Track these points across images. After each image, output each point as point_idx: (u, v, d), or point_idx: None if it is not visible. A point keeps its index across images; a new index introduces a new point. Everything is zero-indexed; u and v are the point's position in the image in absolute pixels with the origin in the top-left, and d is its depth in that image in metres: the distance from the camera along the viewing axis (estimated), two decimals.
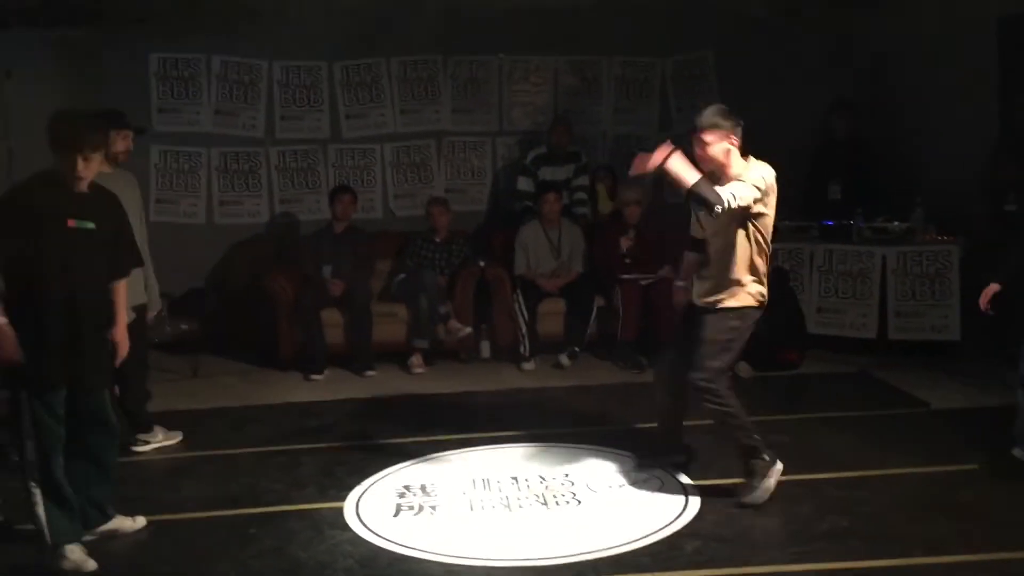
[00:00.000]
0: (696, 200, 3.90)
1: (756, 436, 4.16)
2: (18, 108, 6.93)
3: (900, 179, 7.15)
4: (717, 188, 3.88)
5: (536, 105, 8.06)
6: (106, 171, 4.23)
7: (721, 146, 4.03)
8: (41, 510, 3.63)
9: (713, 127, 4.03)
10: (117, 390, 5.24)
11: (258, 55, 7.73)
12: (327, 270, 6.87)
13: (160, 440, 5.17)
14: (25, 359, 3.55)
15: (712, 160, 4.05)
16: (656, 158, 3.94)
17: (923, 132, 7.11)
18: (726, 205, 3.84)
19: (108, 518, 3.95)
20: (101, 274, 3.78)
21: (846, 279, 6.62)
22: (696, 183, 3.86)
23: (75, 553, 3.66)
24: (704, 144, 4.04)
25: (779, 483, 4.13)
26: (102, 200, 3.80)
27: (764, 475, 4.12)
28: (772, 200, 4.08)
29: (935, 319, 6.37)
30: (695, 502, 4.14)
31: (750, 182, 3.95)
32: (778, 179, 4.10)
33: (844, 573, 3.48)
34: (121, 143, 4.78)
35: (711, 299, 4.15)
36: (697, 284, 4.26)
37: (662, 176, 4.05)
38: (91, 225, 3.67)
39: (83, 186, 3.69)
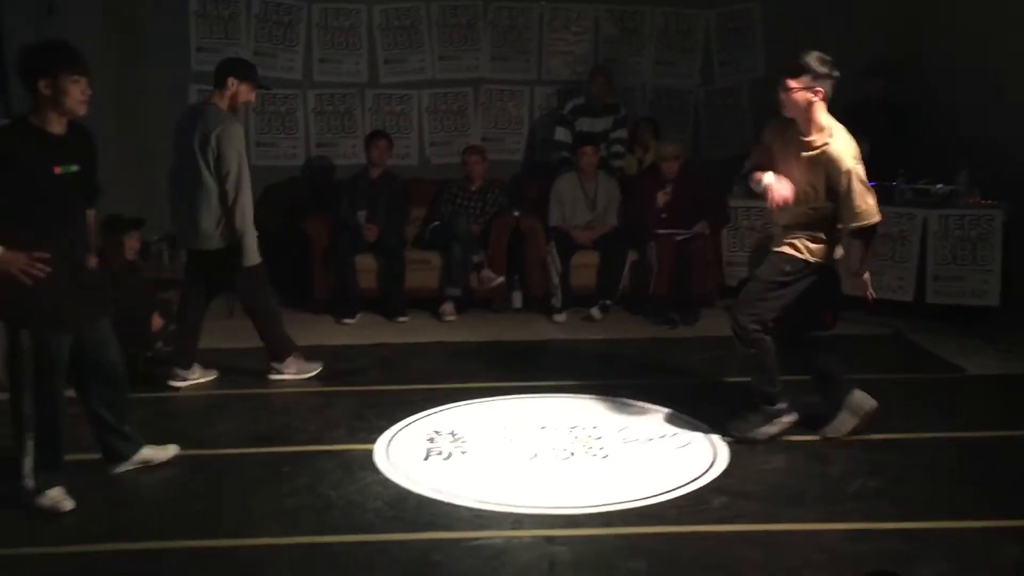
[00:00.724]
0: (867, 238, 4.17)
1: (774, 387, 4.26)
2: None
3: (944, 143, 7.01)
4: (856, 204, 3.99)
5: (576, 55, 7.95)
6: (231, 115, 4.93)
7: (804, 95, 3.96)
8: (30, 460, 3.63)
9: (800, 73, 3.95)
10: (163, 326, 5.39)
11: None
12: (362, 215, 6.88)
13: (197, 377, 5.25)
14: (35, 305, 3.52)
15: (794, 106, 4.01)
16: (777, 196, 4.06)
17: (972, 96, 6.94)
18: (878, 217, 4.07)
19: (139, 445, 4.03)
20: (83, 209, 3.76)
21: (885, 241, 6.51)
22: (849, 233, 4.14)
23: (54, 492, 3.67)
24: (787, 89, 3.99)
25: (808, 442, 4.14)
26: (80, 139, 3.71)
27: (767, 420, 4.25)
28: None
29: (975, 284, 6.27)
30: (724, 458, 4.15)
31: (849, 165, 3.97)
32: None
33: (872, 533, 3.47)
34: (248, 95, 5.10)
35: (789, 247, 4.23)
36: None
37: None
38: (75, 168, 3.62)
39: (62, 126, 3.59)
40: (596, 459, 4.18)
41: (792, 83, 3.96)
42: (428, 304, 6.81)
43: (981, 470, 4.04)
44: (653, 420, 4.64)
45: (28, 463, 3.64)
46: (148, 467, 4.05)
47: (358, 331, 6.46)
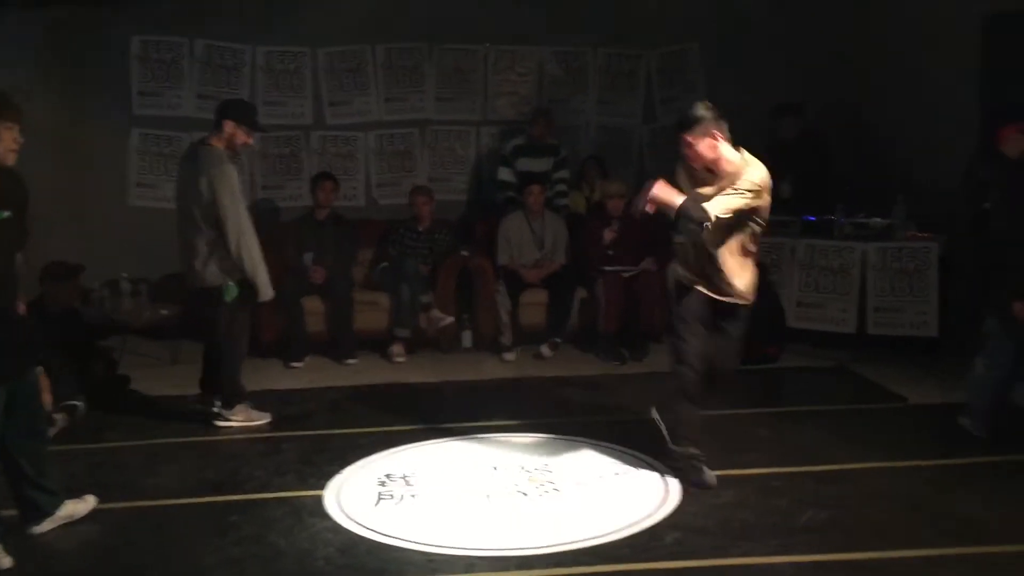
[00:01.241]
0: (685, 218, 3.96)
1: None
2: None
3: (880, 177, 7.20)
4: (704, 205, 3.92)
5: (521, 95, 8.04)
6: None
7: (706, 143, 4.04)
8: None
9: (693, 124, 4.03)
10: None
11: (241, 39, 7.67)
12: (309, 257, 6.84)
13: (241, 420, 5.25)
14: None
15: (700, 157, 4.08)
16: (643, 199, 4.00)
17: (906, 130, 7.15)
18: (713, 219, 3.91)
19: (61, 499, 3.90)
20: (14, 254, 3.70)
21: (826, 274, 6.66)
22: (681, 204, 3.94)
23: None
24: (688, 144, 4.07)
25: (758, 475, 4.17)
26: (11, 184, 3.65)
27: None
28: (767, 196, 4.10)
29: (913, 315, 6.42)
30: (675, 494, 4.16)
31: (742, 187, 3.98)
32: None
33: (824, 565, 3.50)
34: (246, 138, 5.12)
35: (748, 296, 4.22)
36: (735, 283, 4.19)
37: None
38: (6, 214, 3.55)
39: None
40: (549, 499, 4.17)
41: (690, 138, 4.04)
42: (377, 345, 6.77)
43: (926, 498, 4.10)
44: (604, 458, 4.65)
45: None
46: (73, 522, 3.92)
47: (307, 374, 6.39)
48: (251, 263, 5.00)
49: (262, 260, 5.07)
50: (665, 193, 3.99)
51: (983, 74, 6.51)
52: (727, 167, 4.08)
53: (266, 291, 5.12)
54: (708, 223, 3.91)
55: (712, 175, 4.13)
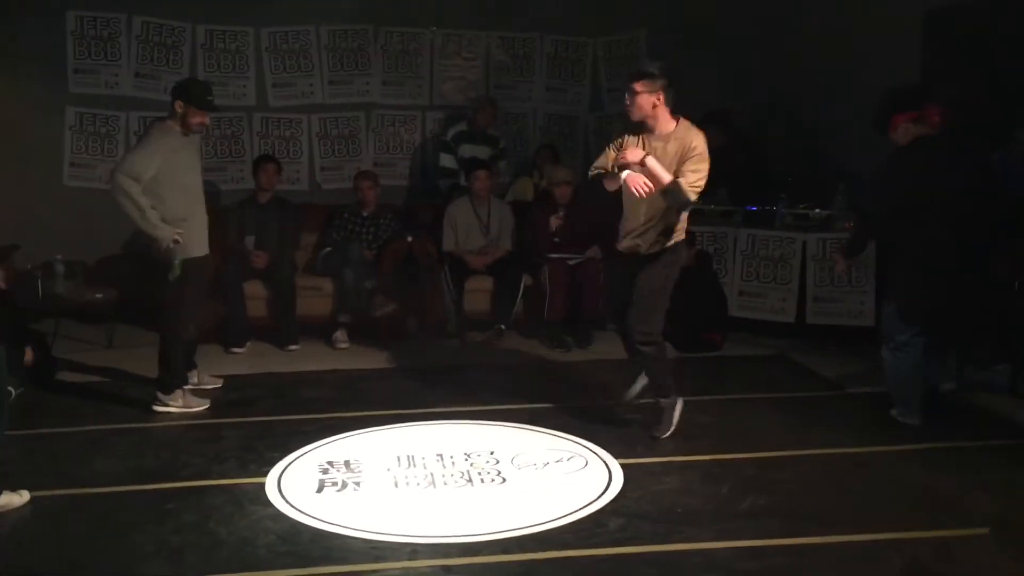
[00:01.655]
0: (672, 195, 4.32)
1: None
2: None
3: (820, 169, 7.31)
4: (685, 188, 4.29)
5: (467, 80, 8.00)
6: (180, 134, 4.98)
7: (647, 98, 4.35)
8: None
9: (644, 77, 4.35)
10: None
11: (181, 17, 7.50)
12: (250, 241, 6.73)
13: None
14: None
15: (639, 109, 4.40)
16: (634, 155, 4.35)
17: (845, 126, 7.26)
18: (694, 199, 4.35)
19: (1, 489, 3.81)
20: None
21: (767, 264, 6.76)
22: (672, 182, 4.29)
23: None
24: (634, 92, 4.37)
25: (701, 462, 4.24)
26: None
27: (672, 411, 4.69)
28: None
29: (851, 305, 6.55)
30: (619, 480, 4.18)
31: (704, 169, 4.35)
32: None
33: (764, 550, 3.55)
34: (199, 117, 5.05)
35: (659, 245, 4.52)
36: (639, 238, 4.54)
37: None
38: None
39: None
40: (493, 485, 4.16)
41: (638, 86, 4.36)
42: (320, 332, 6.69)
43: (865, 484, 4.19)
44: (548, 444, 4.66)
45: None
46: (8, 511, 3.82)
47: (248, 360, 6.29)
48: (131, 213, 4.88)
49: (152, 224, 4.90)
50: (656, 165, 4.30)
51: (924, 65, 6.63)
52: (664, 127, 4.41)
53: (159, 236, 4.93)
54: (691, 203, 4.38)
55: (648, 133, 4.43)
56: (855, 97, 7.19)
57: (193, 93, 5.08)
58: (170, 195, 4.96)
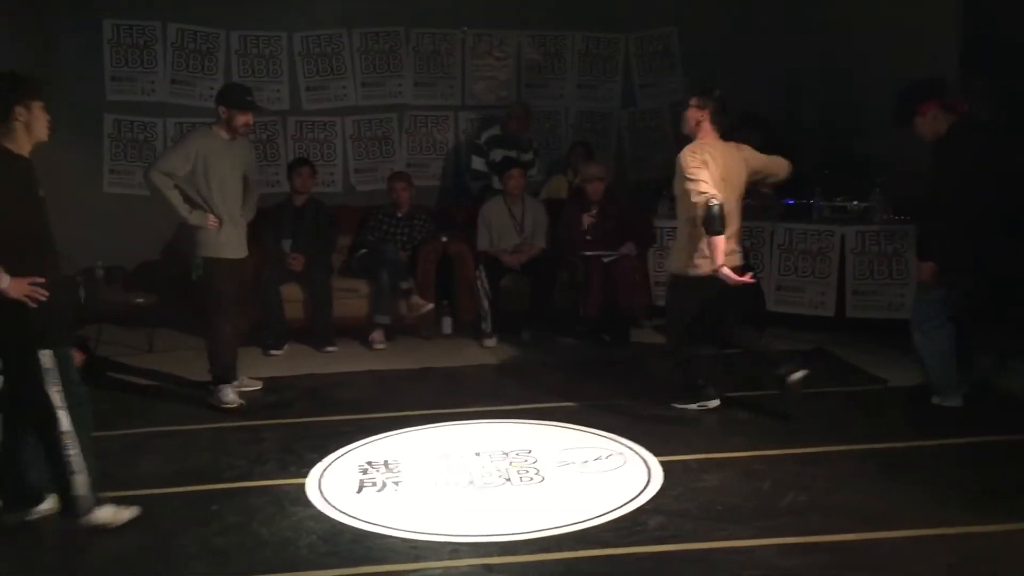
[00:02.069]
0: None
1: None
2: None
3: (859, 163, 7.21)
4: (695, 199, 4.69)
5: (499, 80, 8.01)
6: (226, 139, 5.21)
7: (694, 113, 4.83)
8: (84, 476, 3.62)
9: (699, 95, 4.84)
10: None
11: (215, 24, 7.58)
12: (287, 244, 6.78)
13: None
14: (45, 320, 3.57)
15: (685, 123, 4.90)
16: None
17: (883, 117, 7.17)
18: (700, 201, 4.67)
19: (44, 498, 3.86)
20: None
21: (805, 257, 6.69)
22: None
23: (104, 508, 3.71)
24: (687, 106, 4.88)
25: (740, 458, 4.22)
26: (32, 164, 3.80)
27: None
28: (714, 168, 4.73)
29: (892, 297, 6.47)
30: (658, 478, 4.17)
31: (697, 177, 4.69)
32: None
33: (805, 547, 3.52)
34: (243, 118, 5.25)
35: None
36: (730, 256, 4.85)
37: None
38: (42, 192, 3.78)
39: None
40: (532, 484, 4.17)
41: (692, 101, 4.87)
42: (357, 333, 6.73)
43: (908, 480, 4.13)
44: (587, 442, 4.65)
45: (82, 480, 3.61)
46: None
47: (286, 362, 6.34)
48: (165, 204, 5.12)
49: (184, 211, 5.14)
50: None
51: (963, 55, 6.52)
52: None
53: (193, 221, 5.18)
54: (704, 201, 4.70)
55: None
56: (889, 90, 7.11)
57: (232, 95, 5.28)
58: (206, 195, 5.17)
